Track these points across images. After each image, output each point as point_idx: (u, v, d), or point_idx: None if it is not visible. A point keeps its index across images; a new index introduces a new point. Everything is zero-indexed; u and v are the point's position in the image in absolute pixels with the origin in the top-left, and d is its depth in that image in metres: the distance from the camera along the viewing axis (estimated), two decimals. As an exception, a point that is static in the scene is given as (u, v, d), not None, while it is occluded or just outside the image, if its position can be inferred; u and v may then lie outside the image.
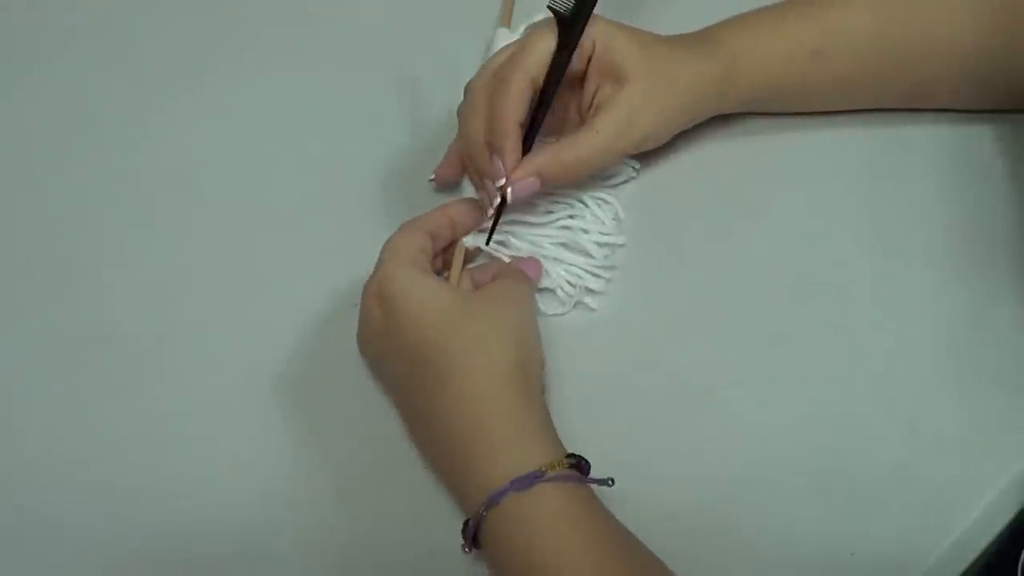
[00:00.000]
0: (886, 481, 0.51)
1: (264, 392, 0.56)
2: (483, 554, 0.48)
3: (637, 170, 0.61)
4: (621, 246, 0.58)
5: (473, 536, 0.47)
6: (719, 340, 0.55)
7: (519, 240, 0.57)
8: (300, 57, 0.68)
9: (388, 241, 0.53)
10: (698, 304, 0.57)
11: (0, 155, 0.66)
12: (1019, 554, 0.51)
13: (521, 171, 0.54)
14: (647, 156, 0.60)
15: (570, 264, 0.57)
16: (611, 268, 0.58)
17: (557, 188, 0.58)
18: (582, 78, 0.56)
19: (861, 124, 0.61)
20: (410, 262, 0.52)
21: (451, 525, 0.49)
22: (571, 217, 0.58)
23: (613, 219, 0.59)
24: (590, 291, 0.57)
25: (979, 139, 0.60)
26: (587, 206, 0.59)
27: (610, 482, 0.48)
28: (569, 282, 0.57)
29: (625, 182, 0.61)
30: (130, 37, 0.70)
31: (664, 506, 0.48)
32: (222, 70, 0.68)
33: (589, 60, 0.55)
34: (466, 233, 0.56)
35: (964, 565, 0.50)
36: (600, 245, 0.58)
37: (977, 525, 0.50)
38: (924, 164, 0.60)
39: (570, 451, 0.48)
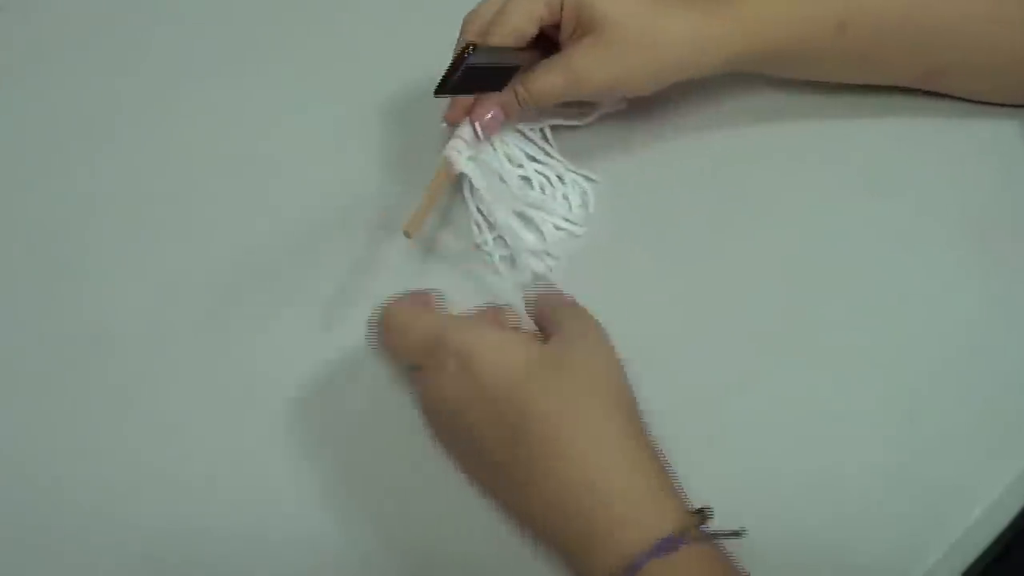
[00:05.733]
0: (887, 480, 0.51)
1: (265, 392, 0.56)
2: None
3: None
4: (578, 237, 0.58)
5: None
6: (718, 339, 0.55)
7: (483, 196, 0.57)
8: (300, 57, 0.68)
9: (448, 315, 0.52)
10: (696, 301, 0.57)
11: (0, 155, 0.66)
12: (1021, 554, 0.50)
13: (481, 108, 0.56)
14: (647, 144, 0.60)
15: (518, 238, 0.57)
16: (557, 258, 0.58)
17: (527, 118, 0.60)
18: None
19: (869, 116, 0.61)
20: (482, 322, 0.50)
21: (454, 527, 0.49)
22: (542, 190, 0.59)
23: (580, 206, 0.59)
24: (529, 271, 0.57)
25: (991, 133, 0.60)
26: (564, 184, 0.59)
27: (742, 533, 0.45)
28: (506, 256, 0.57)
29: (610, 113, 0.61)
30: (130, 37, 0.70)
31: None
32: (223, 70, 0.68)
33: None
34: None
35: (965, 565, 0.50)
36: (557, 229, 0.58)
37: (979, 525, 0.50)
38: (931, 159, 0.60)
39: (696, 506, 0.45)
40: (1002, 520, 0.50)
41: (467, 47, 0.52)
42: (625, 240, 0.59)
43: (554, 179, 0.60)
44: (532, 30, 0.56)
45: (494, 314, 0.52)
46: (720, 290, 0.57)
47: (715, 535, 0.45)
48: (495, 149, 0.58)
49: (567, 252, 0.58)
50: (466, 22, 0.58)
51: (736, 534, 0.45)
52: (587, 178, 0.61)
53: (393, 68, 0.66)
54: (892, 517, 0.50)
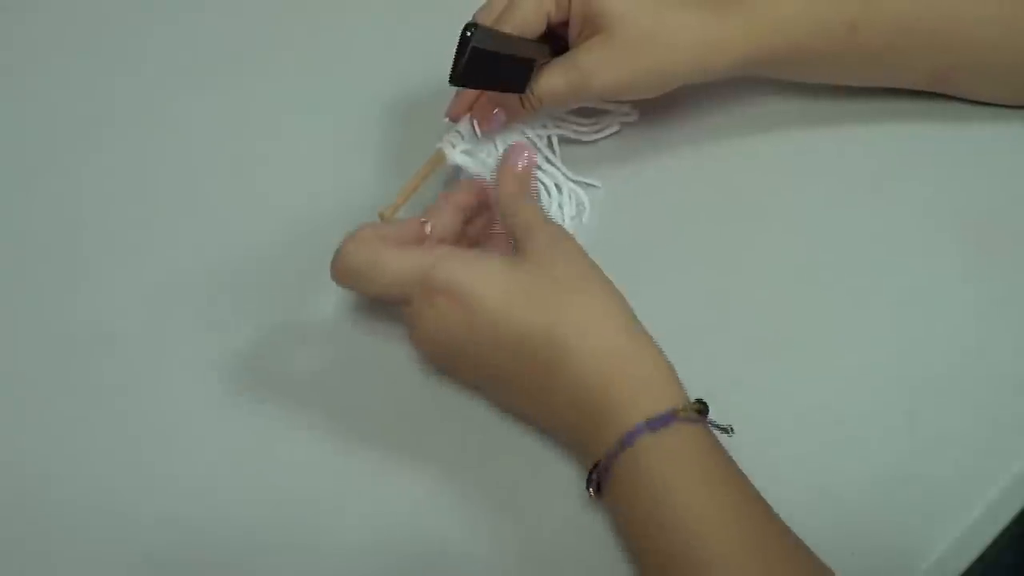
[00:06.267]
0: (887, 480, 0.51)
1: (265, 392, 0.56)
2: (608, 500, 0.48)
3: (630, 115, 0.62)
4: None
5: (598, 480, 0.47)
6: (719, 338, 0.55)
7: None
8: (300, 57, 0.68)
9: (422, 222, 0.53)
10: (697, 301, 0.57)
11: (0, 155, 0.66)
12: (1021, 554, 0.50)
13: (484, 106, 0.56)
14: (652, 142, 0.60)
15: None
16: None
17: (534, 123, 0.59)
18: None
19: (872, 121, 0.61)
20: (462, 250, 0.52)
21: (455, 525, 0.49)
22: (538, 197, 0.59)
23: (573, 217, 0.59)
24: None
25: (993, 137, 0.60)
26: (560, 192, 0.59)
27: (730, 430, 0.49)
28: None
29: (617, 131, 0.61)
30: (130, 37, 0.70)
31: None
32: (223, 70, 0.68)
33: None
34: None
35: (965, 565, 0.50)
36: None
37: (979, 524, 0.50)
38: (933, 163, 0.60)
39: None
40: (1002, 520, 0.50)
41: (468, 27, 0.51)
42: (626, 244, 0.58)
43: (552, 187, 0.59)
44: (540, 26, 0.55)
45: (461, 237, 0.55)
46: (721, 290, 0.57)
47: (708, 423, 0.48)
48: (497, 149, 0.58)
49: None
50: (475, 17, 0.57)
51: (725, 430, 0.49)
52: (588, 185, 0.60)
53: (394, 68, 0.66)
54: (892, 517, 0.50)
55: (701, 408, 0.48)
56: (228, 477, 0.54)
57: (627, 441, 0.46)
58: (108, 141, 0.66)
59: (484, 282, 0.49)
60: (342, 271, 0.51)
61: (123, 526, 0.53)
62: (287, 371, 0.56)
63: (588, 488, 0.48)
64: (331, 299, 0.58)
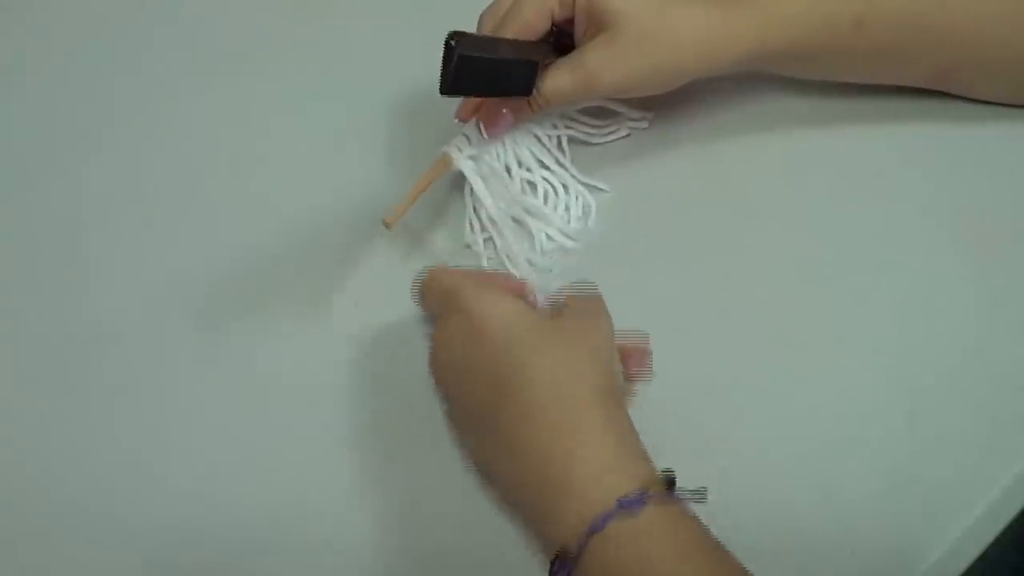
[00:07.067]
0: (887, 480, 0.51)
1: (265, 392, 0.56)
2: None
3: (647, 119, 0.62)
4: (568, 251, 0.58)
5: (564, 567, 0.44)
6: (719, 338, 0.55)
7: (479, 196, 0.58)
8: (301, 57, 0.68)
9: (467, 271, 0.53)
10: (698, 301, 0.57)
11: (0, 155, 0.66)
12: (1021, 554, 0.50)
13: (490, 107, 0.56)
14: (659, 142, 0.61)
15: (508, 242, 0.57)
16: (550, 269, 0.58)
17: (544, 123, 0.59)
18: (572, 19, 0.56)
19: (874, 121, 0.61)
20: (496, 286, 0.51)
21: (456, 525, 0.49)
22: (545, 198, 0.58)
23: (579, 219, 0.58)
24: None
25: (993, 137, 0.60)
26: (568, 193, 0.59)
27: (703, 495, 0.46)
28: (495, 259, 0.58)
29: (627, 135, 0.61)
30: (130, 37, 0.70)
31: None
32: (224, 70, 0.68)
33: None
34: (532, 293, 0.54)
35: (965, 565, 0.50)
36: (549, 239, 0.58)
37: (979, 524, 0.50)
38: (933, 163, 0.60)
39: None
40: (1002, 520, 0.50)
41: (451, 36, 0.51)
42: (630, 245, 0.59)
43: (559, 188, 0.59)
44: (544, 24, 0.55)
45: (516, 286, 0.53)
46: (721, 290, 0.57)
47: (678, 496, 0.46)
48: (506, 149, 0.58)
49: (557, 264, 0.58)
50: (482, 18, 0.57)
51: (698, 493, 0.46)
52: (597, 189, 0.60)
53: (395, 68, 0.66)
54: (892, 517, 0.50)
55: (670, 479, 0.46)
56: (228, 477, 0.53)
57: (597, 525, 0.43)
58: (108, 141, 0.66)
59: (505, 315, 0.48)
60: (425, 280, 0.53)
61: (122, 527, 0.53)
62: (287, 372, 0.56)
63: (551, 573, 0.45)
64: (331, 300, 0.58)
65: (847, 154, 0.61)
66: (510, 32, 0.55)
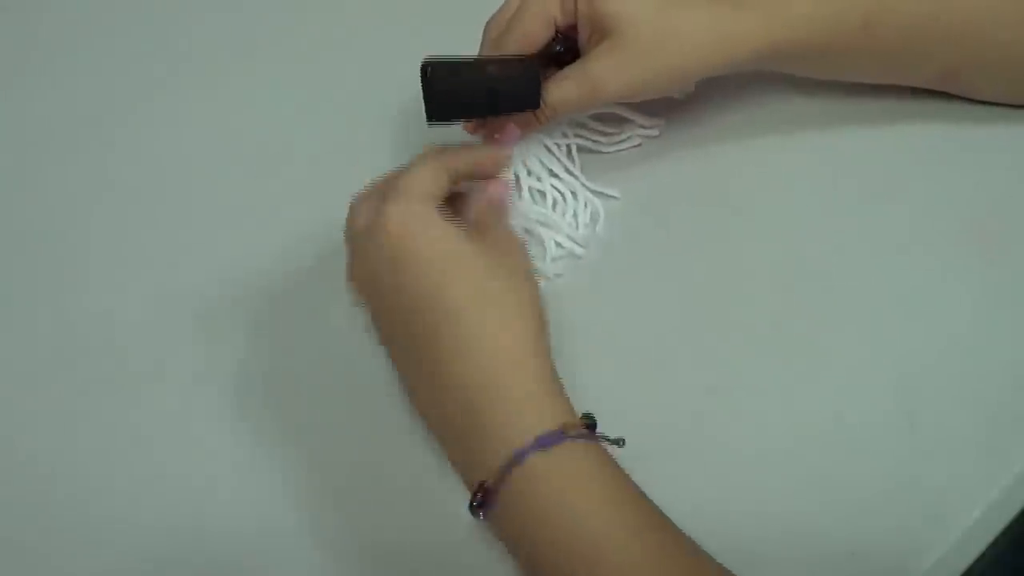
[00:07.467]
0: (886, 480, 0.51)
1: (266, 393, 0.56)
2: (495, 518, 0.46)
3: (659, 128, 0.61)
4: (578, 257, 0.58)
5: (484, 501, 0.46)
6: (719, 338, 0.55)
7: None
8: (302, 57, 0.69)
9: (405, 171, 0.50)
10: (697, 302, 0.57)
11: (0, 155, 0.66)
12: (1021, 554, 0.50)
13: (497, 120, 0.55)
14: (661, 147, 0.61)
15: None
16: (558, 275, 0.57)
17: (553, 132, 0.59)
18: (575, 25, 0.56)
19: (877, 122, 0.61)
20: (428, 199, 0.49)
21: (456, 525, 0.49)
22: (554, 206, 0.58)
23: (587, 226, 0.58)
24: None
25: (995, 137, 0.60)
26: (576, 200, 0.59)
27: (621, 443, 0.48)
28: None
29: (638, 145, 0.61)
30: (130, 37, 0.70)
31: (662, 506, 0.47)
32: (223, 69, 0.68)
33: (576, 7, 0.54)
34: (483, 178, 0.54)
35: (965, 565, 0.50)
36: (558, 245, 0.58)
37: (979, 525, 0.50)
38: (935, 163, 0.60)
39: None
40: (1002, 520, 0.50)
41: (424, 66, 0.51)
42: (640, 251, 0.59)
43: (568, 195, 0.59)
44: (546, 32, 0.55)
45: (437, 177, 0.51)
46: (728, 294, 0.57)
47: (600, 439, 0.47)
48: (515, 158, 0.57)
49: (565, 270, 0.58)
50: (486, 28, 0.57)
51: (616, 443, 0.48)
52: (606, 195, 0.60)
53: (400, 71, 0.66)
54: (892, 517, 0.50)
55: (590, 423, 0.47)
56: (228, 477, 0.54)
57: (516, 459, 0.44)
58: (108, 141, 0.66)
59: (431, 246, 0.48)
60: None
61: (122, 528, 0.53)
62: (289, 375, 0.56)
63: (472, 507, 0.46)
64: (335, 303, 0.58)
65: (854, 156, 0.61)
66: (513, 40, 0.55)
